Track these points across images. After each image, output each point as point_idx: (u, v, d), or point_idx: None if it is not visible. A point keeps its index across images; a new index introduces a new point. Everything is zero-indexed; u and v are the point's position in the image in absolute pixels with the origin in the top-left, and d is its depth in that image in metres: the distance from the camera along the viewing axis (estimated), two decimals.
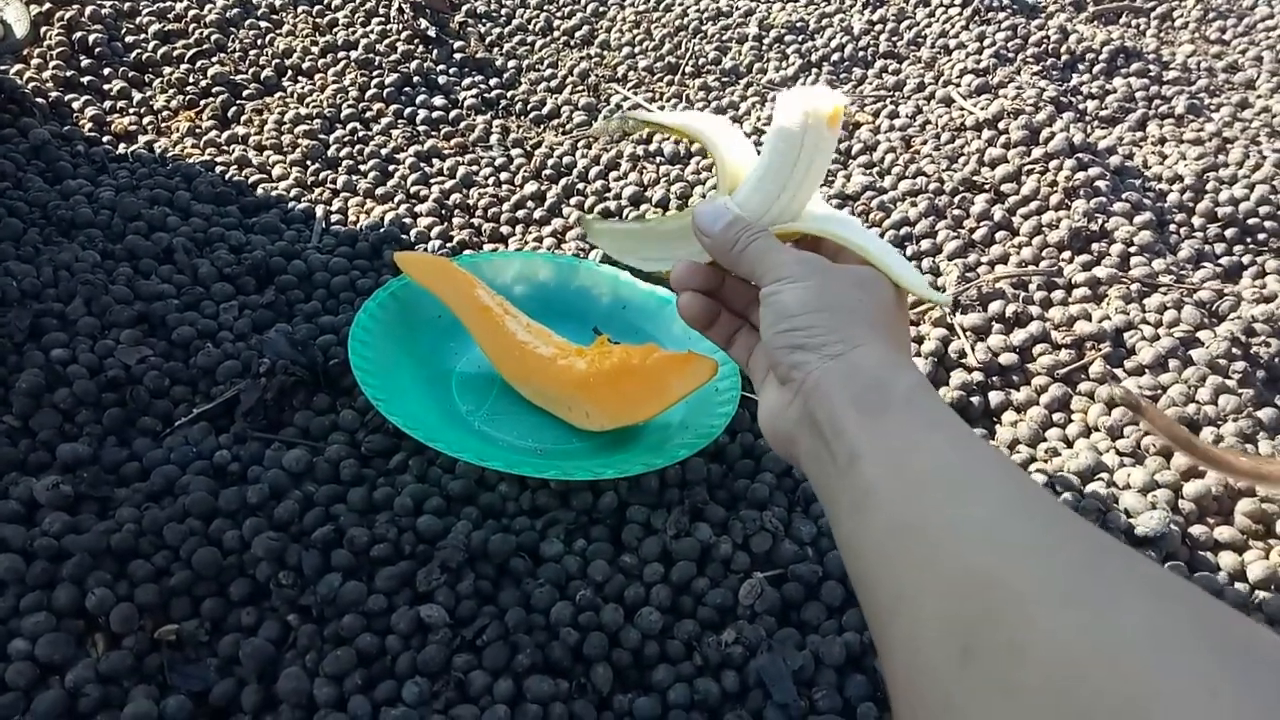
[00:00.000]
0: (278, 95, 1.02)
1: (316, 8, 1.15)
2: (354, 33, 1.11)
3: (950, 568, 0.31)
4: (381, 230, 0.84)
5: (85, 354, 0.68)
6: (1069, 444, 0.70)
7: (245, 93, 1.01)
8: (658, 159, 0.97)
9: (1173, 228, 0.91)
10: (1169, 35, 1.32)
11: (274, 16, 1.13)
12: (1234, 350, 0.73)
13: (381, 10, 1.15)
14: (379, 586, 0.57)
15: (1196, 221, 0.92)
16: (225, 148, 0.93)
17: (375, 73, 1.05)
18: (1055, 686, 0.26)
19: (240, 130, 0.96)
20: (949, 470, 0.35)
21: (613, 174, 0.95)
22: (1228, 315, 0.78)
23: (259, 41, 1.08)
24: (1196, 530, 0.63)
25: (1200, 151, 1.01)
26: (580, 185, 0.94)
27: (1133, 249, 0.85)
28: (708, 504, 0.64)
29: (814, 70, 1.15)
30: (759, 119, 1.04)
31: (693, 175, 0.94)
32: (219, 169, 0.89)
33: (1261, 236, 0.91)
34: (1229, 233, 0.91)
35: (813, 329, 0.43)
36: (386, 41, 1.10)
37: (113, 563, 0.56)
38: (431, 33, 1.10)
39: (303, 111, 0.98)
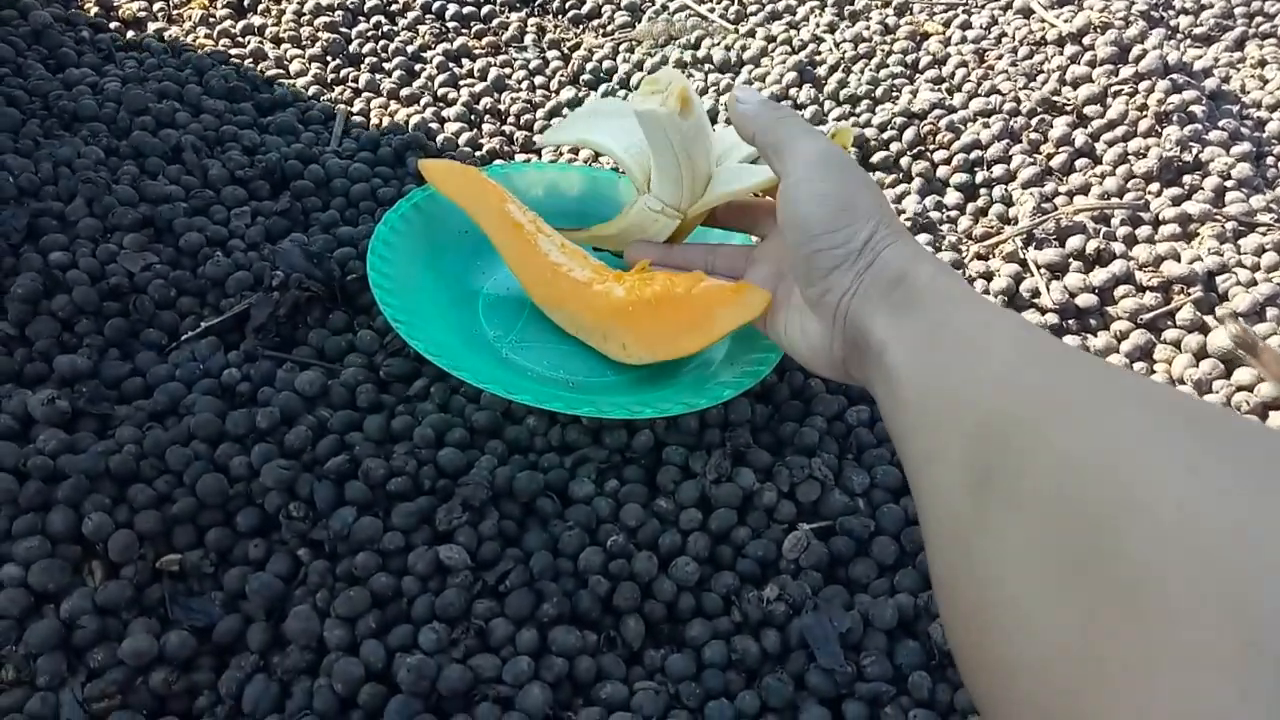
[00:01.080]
0: None
1: None
2: None
3: (970, 417, 0.34)
4: (406, 135, 0.78)
5: (86, 259, 0.63)
6: None
7: None
8: (706, 66, 0.89)
9: (1272, 160, 0.82)
10: None
11: None
12: None
13: None
14: (396, 523, 0.53)
15: None
16: (240, 39, 0.87)
17: None
18: (1058, 494, 0.28)
19: (256, 20, 0.89)
20: (966, 336, 0.38)
21: (652, 84, 0.88)
22: None
23: None
24: None
25: None
26: (622, 93, 0.86)
27: (1229, 183, 0.77)
28: (751, 447, 0.58)
29: None
30: (816, 25, 0.95)
31: (744, 81, 0.86)
32: (233, 62, 0.83)
33: None
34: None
35: (835, 237, 0.44)
36: None
37: (112, 486, 0.52)
38: None
39: (324, 2, 0.91)
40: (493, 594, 0.51)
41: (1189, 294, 0.69)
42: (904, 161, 0.80)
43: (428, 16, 0.93)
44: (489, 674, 0.48)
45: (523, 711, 0.46)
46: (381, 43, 0.88)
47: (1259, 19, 1.02)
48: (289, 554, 0.52)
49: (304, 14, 0.89)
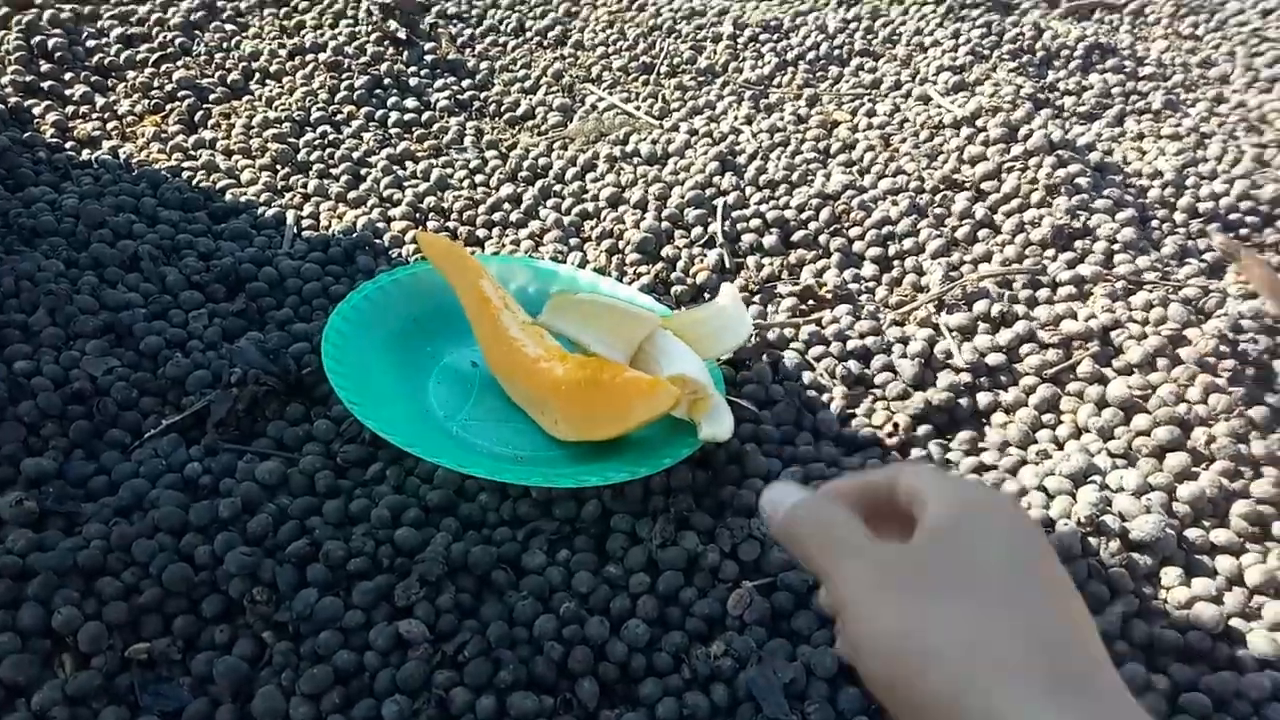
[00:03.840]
0: (245, 99, 1.00)
1: (283, 10, 1.13)
2: (322, 35, 1.09)
3: None
4: (354, 235, 0.82)
5: (50, 365, 0.65)
6: (1060, 445, 0.70)
7: (212, 96, 0.99)
8: (635, 160, 0.96)
9: (1155, 224, 0.90)
10: (1142, 31, 1.32)
11: (240, 19, 1.11)
12: (1222, 348, 0.73)
13: (350, 12, 1.13)
14: (356, 602, 0.55)
15: (1179, 217, 0.92)
16: (192, 153, 0.91)
17: (345, 75, 1.03)
18: None
19: (208, 135, 0.94)
20: None
21: (589, 175, 0.94)
22: (1214, 312, 0.78)
23: (225, 44, 1.06)
24: (1192, 534, 0.62)
25: (1179, 147, 1.01)
26: (557, 187, 0.92)
27: (1116, 246, 0.84)
28: (694, 511, 0.62)
29: (790, 69, 1.14)
30: (735, 118, 1.03)
31: (670, 176, 0.93)
32: (186, 175, 0.87)
33: (1244, 231, 0.91)
34: (1211, 228, 0.91)
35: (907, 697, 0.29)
36: (355, 44, 1.08)
37: (80, 580, 0.54)
38: (401, 34, 1.08)
39: (271, 115, 0.96)
40: (452, 664, 0.54)
41: (1087, 349, 0.75)
42: (822, 239, 0.87)
43: (371, 124, 0.98)
44: None
45: None
46: (328, 150, 0.93)
47: (1134, 97, 1.12)
48: (254, 637, 0.54)
49: (253, 127, 0.94)
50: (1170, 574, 0.60)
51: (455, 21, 1.17)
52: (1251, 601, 0.59)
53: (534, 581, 0.58)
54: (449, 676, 0.53)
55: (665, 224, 0.86)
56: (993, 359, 0.74)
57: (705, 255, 0.84)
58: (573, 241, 0.85)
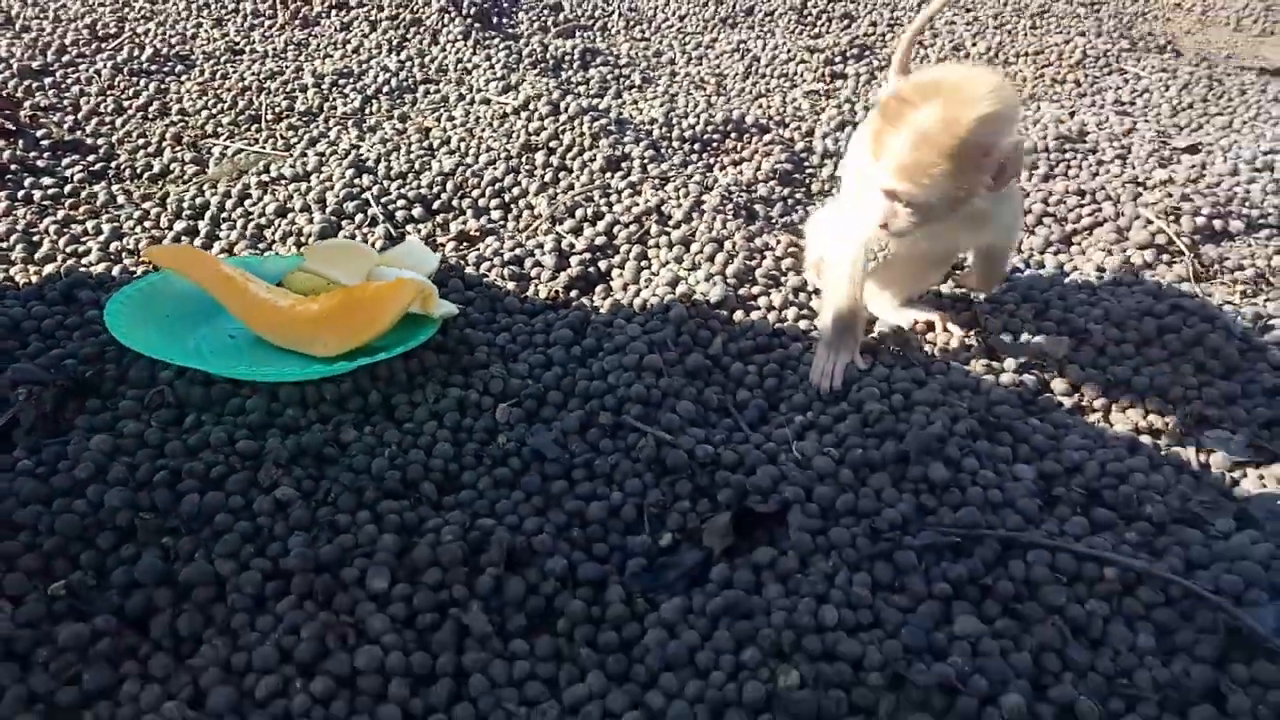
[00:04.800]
0: None
1: None
2: None
3: None
4: (62, 280, 0.92)
5: None
6: (655, 274, 1.04)
7: None
8: (282, 182, 1.15)
9: (663, 146, 1.32)
10: (611, 40, 1.79)
11: None
12: (728, 204, 1.14)
13: None
14: (231, 489, 0.71)
15: (675, 142, 1.34)
16: None
17: None
18: None
19: None
20: None
21: (247, 201, 1.11)
22: (714, 185, 1.19)
23: None
24: (743, 291, 1.00)
25: (661, 103, 1.45)
26: (224, 215, 1.08)
27: (647, 161, 1.23)
28: (449, 374, 0.86)
29: (373, 100, 1.40)
30: (346, 147, 1.26)
31: (320, 186, 1.14)
32: None
33: (714, 141, 1.36)
34: (694, 147, 1.34)
35: None
36: None
37: None
38: (10, 126, 1.15)
39: None
40: (325, 503, 0.72)
41: (651, 219, 1.12)
42: (454, 202, 1.14)
43: (16, 202, 1.05)
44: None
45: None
46: None
47: (622, 78, 1.56)
48: (157, 545, 0.67)
49: None
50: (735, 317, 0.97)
51: (53, 111, 1.24)
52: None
53: (357, 446, 0.77)
54: (327, 510, 0.71)
55: (332, 217, 1.07)
56: (599, 241, 1.08)
57: (374, 231, 1.07)
58: (260, 246, 1.03)
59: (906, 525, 0.71)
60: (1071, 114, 1.54)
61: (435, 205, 1.13)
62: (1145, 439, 0.85)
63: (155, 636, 0.62)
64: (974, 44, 1.90)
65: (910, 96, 0.73)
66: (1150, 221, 1.17)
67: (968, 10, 2.11)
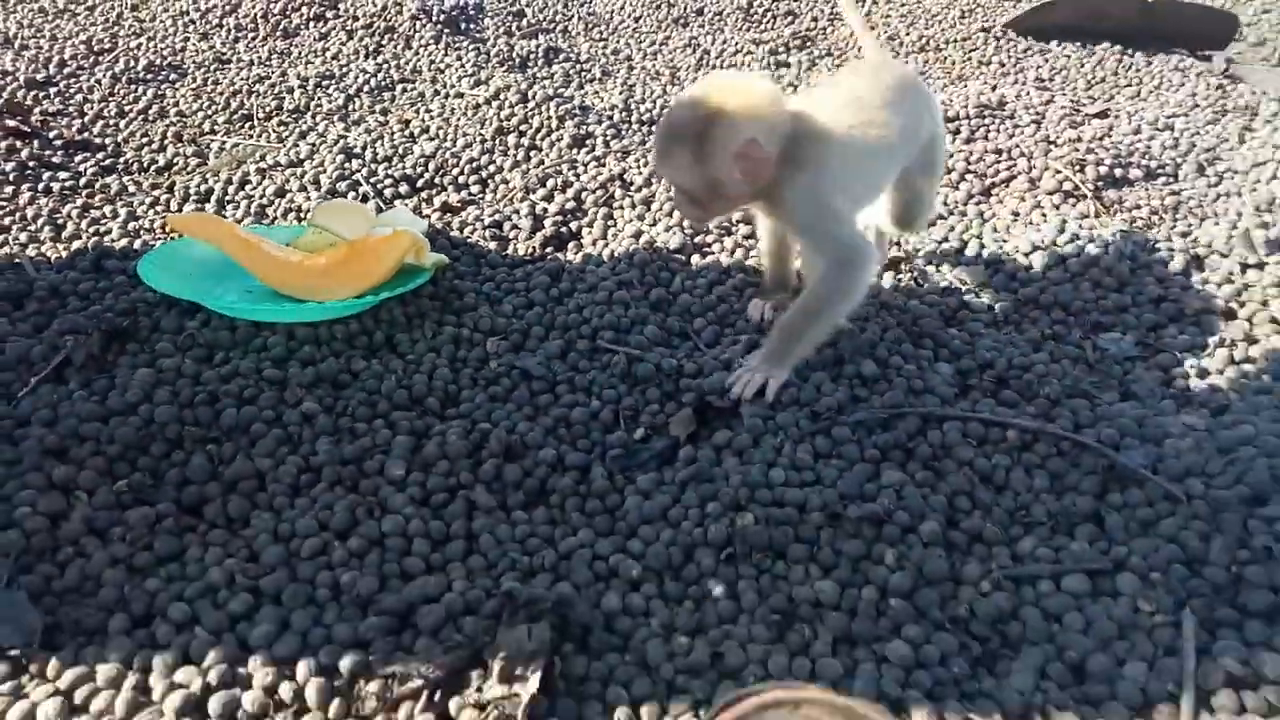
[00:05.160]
0: None
1: None
2: None
3: None
4: (90, 252, 1.03)
5: None
6: (618, 233, 1.17)
7: None
8: (277, 169, 1.27)
9: (626, 129, 1.45)
10: (573, 40, 1.92)
11: None
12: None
13: None
14: (263, 405, 0.82)
15: (635, 124, 1.47)
16: None
17: None
18: None
19: None
20: None
21: (248, 186, 1.23)
22: None
23: None
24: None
25: (620, 90, 1.58)
26: (227, 198, 1.20)
27: (610, 139, 1.36)
28: (444, 315, 0.98)
29: (355, 98, 1.52)
30: (334, 138, 1.38)
31: (313, 170, 1.25)
32: None
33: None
34: (652, 127, 1.47)
35: None
36: None
37: (55, 459, 0.74)
38: (24, 128, 1.26)
39: None
40: (345, 414, 0.83)
41: (615, 185, 1.24)
42: (436, 180, 1.26)
43: (36, 192, 1.16)
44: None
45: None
46: (15, 216, 1.10)
47: (584, 73, 1.69)
48: (202, 452, 0.79)
49: None
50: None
51: (61, 116, 1.35)
52: None
53: (367, 373, 0.89)
54: (346, 420, 0.83)
55: (327, 195, 1.19)
56: (569, 205, 1.20)
57: (366, 206, 1.18)
58: (264, 222, 1.14)
59: (842, 409, 0.84)
60: (994, 88, 1.69)
61: (419, 184, 1.26)
62: (1049, 343, 0.98)
63: (210, 518, 0.73)
64: (907, 33, 2.06)
65: (680, 99, 0.83)
66: (1059, 172, 1.32)
67: (902, 4, 2.27)
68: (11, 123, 1.26)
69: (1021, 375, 0.90)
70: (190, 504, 0.74)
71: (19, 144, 1.24)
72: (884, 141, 0.87)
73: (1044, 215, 1.23)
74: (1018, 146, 1.40)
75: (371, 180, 1.24)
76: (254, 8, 1.83)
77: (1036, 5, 2.06)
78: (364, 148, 1.32)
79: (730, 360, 0.90)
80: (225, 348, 0.90)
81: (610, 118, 1.47)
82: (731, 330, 0.98)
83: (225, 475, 0.76)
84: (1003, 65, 1.89)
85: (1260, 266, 1.08)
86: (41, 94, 1.42)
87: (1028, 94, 1.66)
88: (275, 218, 1.16)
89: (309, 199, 1.18)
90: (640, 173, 1.26)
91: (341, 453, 0.78)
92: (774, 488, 0.75)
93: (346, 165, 1.26)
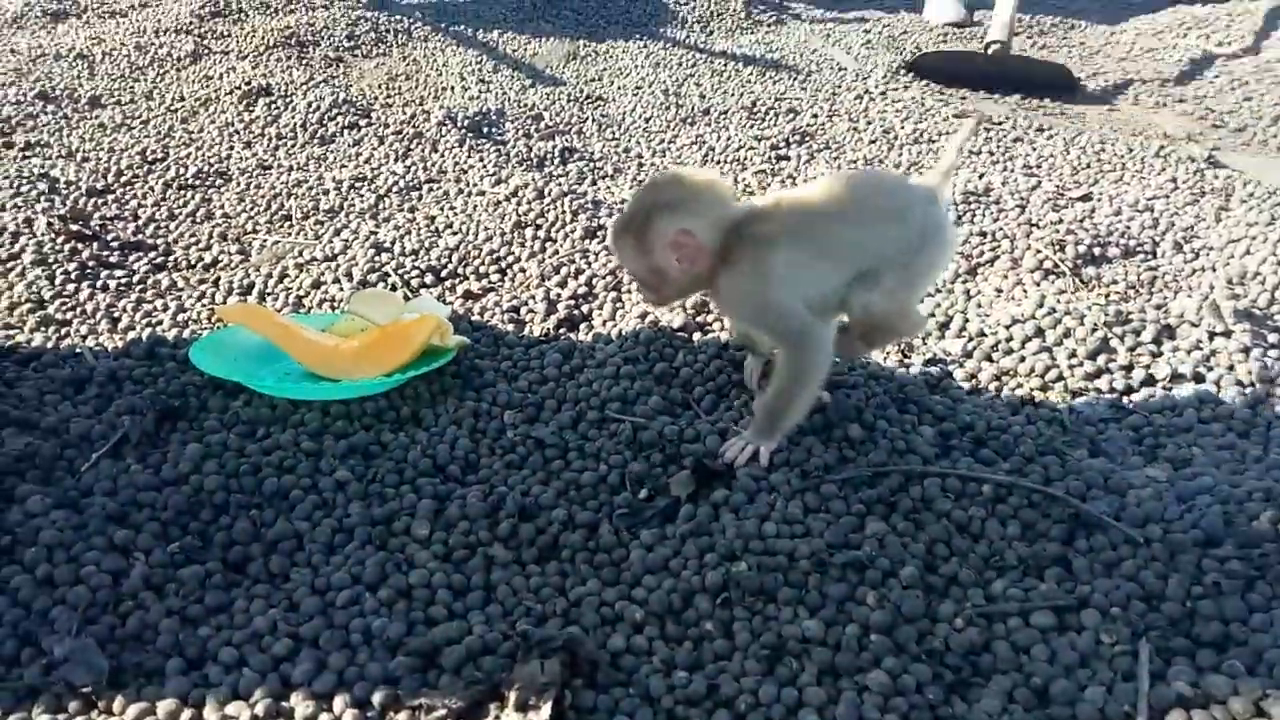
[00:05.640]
0: None
1: None
2: (17, 244, 1.35)
3: None
4: (143, 341, 1.13)
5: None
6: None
7: None
8: (313, 262, 1.38)
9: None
10: (587, 140, 2.06)
11: None
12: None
13: (25, 229, 1.39)
14: (301, 474, 0.91)
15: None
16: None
17: (55, 266, 1.31)
18: None
19: None
20: None
21: (286, 279, 1.34)
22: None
23: None
24: None
25: (632, 186, 1.70)
26: (267, 290, 1.31)
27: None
28: (465, 392, 1.07)
29: (385, 198, 1.64)
30: (365, 234, 1.50)
31: (346, 262, 1.37)
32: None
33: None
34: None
35: None
36: (49, 246, 1.35)
37: (114, 524, 0.83)
38: (86, 231, 1.38)
39: (19, 293, 1.21)
40: (375, 480, 0.92)
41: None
42: (458, 268, 1.37)
43: (95, 289, 1.27)
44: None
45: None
46: (77, 310, 1.21)
47: (599, 171, 1.82)
48: (246, 515, 0.87)
49: (15, 305, 1.19)
50: None
51: (118, 220, 1.48)
52: None
53: (395, 444, 0.97)
54: (376, 487, 0.91)
55: (359, 286, 1.30)
56: (581, 290, 1.30)
57: (396, 294, 1.29)
58: (302, 310, 1.25)
59: (830, 469, 0.91)
60: (980, 175, 1.80)
61: (444, 273, 1.36)
62: (1027, 408, 1.06)
63: (253, 575, 0.81)
64: (902, 126, 2.19)
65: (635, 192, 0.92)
66: (1040, 251, 1.41)
67: (896, 101, 2.41)
68: (74, 227, 1.39)
69: (999, 436, 0.97)
70: (236, 562, 0.82)
71: (80, 246, 1.36)
72: (823, 251, 0.88)
73: (1024, 291, 1.31)
74: (1002, 229, 1.50)
75: (400, 272, 1.35)
76: (293, 118, 1.99)
77: (922, 53, 2.73)
78: (393, 242, 1.44)
79: (726, 428, 0.98)
80: (266, 423, 0.99)
81: (621, 210, 1.58)
82: (728, 400, 1.06)
83: (267, 536, 0.84)
84: (992, 154, 2.01)
85: (1227, 334, 1.15)
86: (101, 200, 1.55)
87: (1014, 179, 1.77)
88: (311, 307, 1.27)
89: (342, 290, 1.29)
90: None
91: (372, 515, 0.86)
92: (766, 539, 0.82)
93: (377, 259, 1.38)
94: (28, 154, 1.78)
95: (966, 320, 1.22)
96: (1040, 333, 1.17)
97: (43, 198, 1.51)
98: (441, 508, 0.88)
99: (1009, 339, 1.17)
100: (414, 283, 1.33)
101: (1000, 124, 2.17)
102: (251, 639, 0.72)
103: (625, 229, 0.89)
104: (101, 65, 2.35)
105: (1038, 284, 1.34)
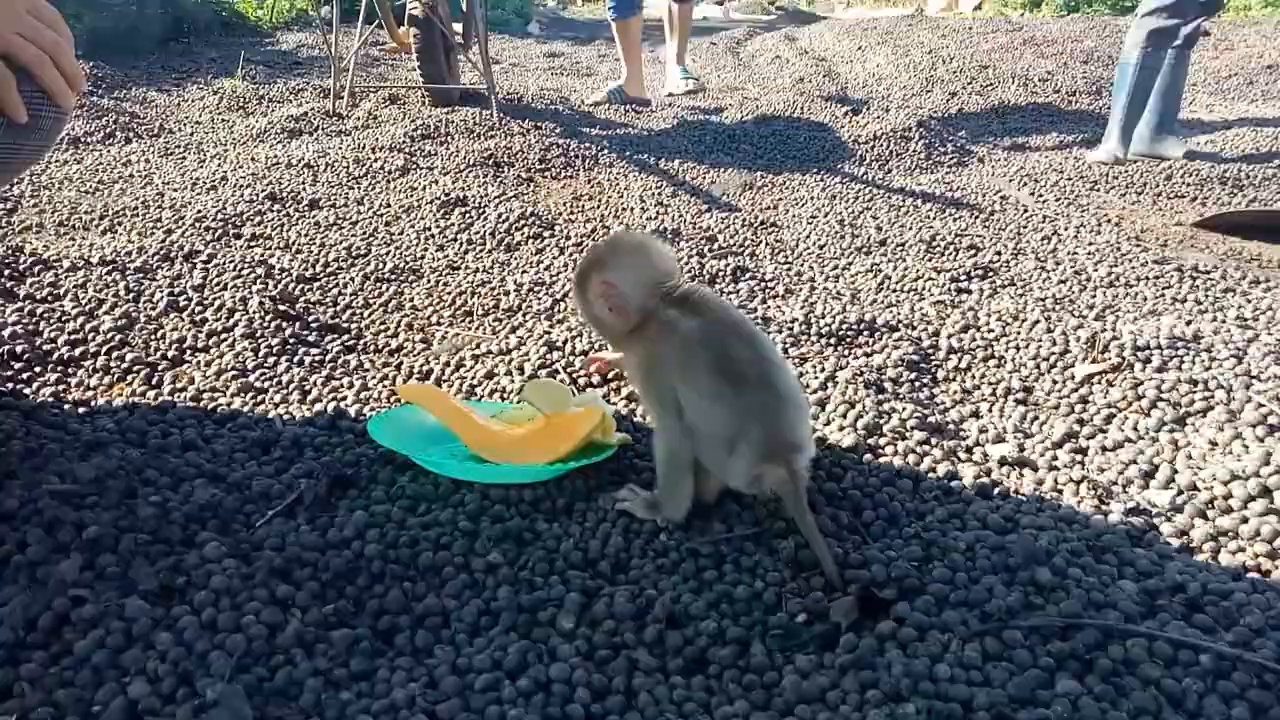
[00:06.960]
0: (185, 366, 1.34)
1: (194, 308, 1.50)
2: (234, 319, 1.47)
3: None
4: (328, 413, 1.19)
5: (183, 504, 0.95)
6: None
7: (160, 367, 1.31)
8: (489, 356, 1.43)
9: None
10: (760, 261, 2.07)
11: (154, 322, 1.46)
12: None
13: (240, 306, 1.52)
14: (455, 552, 0.90)
15: (813, 337, 1.55)
16: (168, 399, 1.23)
17: (260, 341, 1.41)
18: None
19: (172, 387, 1.26)
20: None
21: (462, 369, 1.39)
22: None
23: (157, 334, 1.40)
24: None
25: (803, 307, 1.68)
26: (443, 378, 1.35)
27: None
28: (619, 489, 1.05)
29: (561, 303, 1.70)
30: (540, 333, 1.54)
31: (520, 357, 1.40)
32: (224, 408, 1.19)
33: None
34: (830, 340, 1.55)
35: None
36: (260, 319, 1.47)
37: (278, 578, 0.84)
38: (291, 312, 1.49)
39: (223, 366, 1.31)
40: (525, 569, 0.90)
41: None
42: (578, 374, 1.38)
43: (294, 366, 1.36)
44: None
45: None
46: (273, 382, 1.30)
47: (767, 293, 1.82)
48: (399, 586, 0.87)
49: (216, 374, 1.29)
50: None
51: (319, 305, 1.60)
52: None
53: (548, 534, 0.96)
54: (526, 573, 0.89)
55: (530, 379, 1.32)
56: None
57: (567, 387, 1.31)
58: (474, 398, 1.28)
59: (1013, 614, 0.82)
60: (1188, 323, 1.67)
61: (610, 375, 1.37)
62: (1251, 574, 0.92)
63: (399, 646, 0.80)
64: (1095, 269, 2.08)
65: None
66: (1262, 405, 1.27)
67: (1090, 243, 2.30)
68: (282, 308, 1.50)
69: (1219, 602, 0.85)
70: (384, 631, 0.81)
71: (285, 325, 1.47)
72: (714, 383, 0.91)
73: (1245, 446, 1.18)
74: (1215, 378, 1.36)
75: (568, 370, 1.37)
76: (484, 226, 2.11)
77: (1223, 211, 2.37)
78: (565, 342, 1.47)
79: (895, 559, 0.91)
80: (429, 500, 1.00)
81: (790, 328, 1.56)
82: (897, 526, 0.98)
83: (416, 610, 0.83)
84: (1199, 303, 1.86)
85: None
86: (307, 287, 1.68)
87: (1227, 330, 1.63)
88: (482, 395, 1.30)
89: (513, 381, 1.32)
90: (817, 377, 1.33)
91: (519, 601, 0.84)
92: (938, 682, 0.73)
93: (548, 356, 1.40)
94: (252, 244, 1.97)
95: (1175, 471, 1.10)
96: (1267, 493, 1.03)
97: (258, 281, 1.66)
98: (588, 603, 0.85)
99: (1228, 495, 1.04)
100: (580, 381, 1.35)
101: (1208, 273, 2.02)
102: (389, 710, 0.70)
103: (578, 278, 1.01)
104: (323, 174, 2.60)
105: (1260, 440, 1.20)
